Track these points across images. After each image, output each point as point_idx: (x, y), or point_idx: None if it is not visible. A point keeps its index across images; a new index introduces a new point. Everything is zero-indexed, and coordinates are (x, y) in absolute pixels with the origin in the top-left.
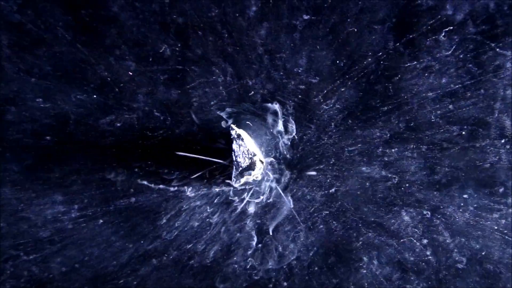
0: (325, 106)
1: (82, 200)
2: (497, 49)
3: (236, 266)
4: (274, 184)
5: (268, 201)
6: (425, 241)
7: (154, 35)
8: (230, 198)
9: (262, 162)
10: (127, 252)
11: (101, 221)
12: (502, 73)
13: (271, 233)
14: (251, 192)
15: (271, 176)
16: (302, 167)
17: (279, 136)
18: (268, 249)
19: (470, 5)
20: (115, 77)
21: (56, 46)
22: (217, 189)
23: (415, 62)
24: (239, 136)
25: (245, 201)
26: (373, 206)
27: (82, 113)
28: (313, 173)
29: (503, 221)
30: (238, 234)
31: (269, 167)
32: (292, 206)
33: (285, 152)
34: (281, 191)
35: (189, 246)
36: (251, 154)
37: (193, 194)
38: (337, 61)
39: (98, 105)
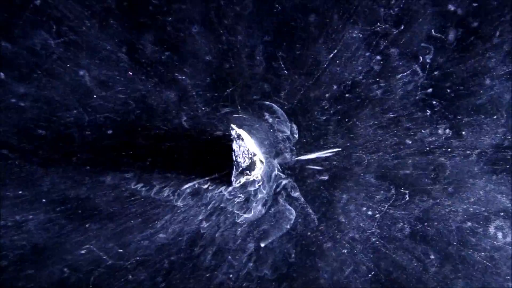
0: (324, 109)
1: (76, 204)
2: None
3: (231, 275)
4: (265, 191)
5: (264, 211)
6: (431, 252)
7: (148, 36)
8: (222, 204)
9: (262, 162)
10: (121, 257)
11: (94, 226)
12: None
13: (262, 245)
14: (247, 198)
15: (271, 182)
16: (302, 175)
17: (280, 139)
18: (265, 257)
19: (474, 11)
20: (114, 79)
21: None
22: (209, 195)
23: (413, 69)
24: (239, 136)
25: (241, 208)
26: (373, 213)
27: (79, 116)
28: (325, 178)
29: (506, 228)
30: (233, 240)
31: (275, 172)
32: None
33: (287, 156)
34: (299, 194)
35: (184, 251)
36: (251, 154)
37: (186, 202)
38: (337, 61)
39: (94, 108)
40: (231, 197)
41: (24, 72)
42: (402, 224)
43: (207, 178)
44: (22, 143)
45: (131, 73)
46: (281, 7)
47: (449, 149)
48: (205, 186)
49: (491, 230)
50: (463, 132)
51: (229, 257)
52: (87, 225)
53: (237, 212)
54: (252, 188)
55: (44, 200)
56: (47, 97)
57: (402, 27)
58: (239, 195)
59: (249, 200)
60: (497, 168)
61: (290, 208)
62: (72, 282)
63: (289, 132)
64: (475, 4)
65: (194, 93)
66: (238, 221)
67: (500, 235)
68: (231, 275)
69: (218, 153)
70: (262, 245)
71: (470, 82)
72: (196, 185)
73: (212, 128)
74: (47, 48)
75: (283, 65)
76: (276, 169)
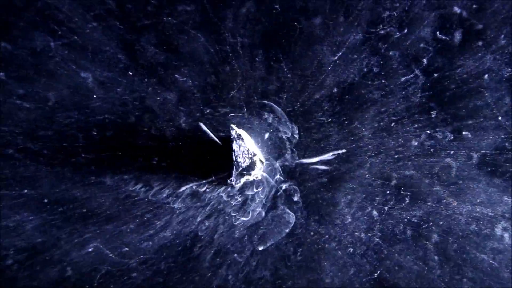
0: (326, 111)
1: (77, 204)
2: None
3: (230, 277)
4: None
5: (263, 214)
6: (434, 253)
7: (148, 37)
8: (221, 206)
9: (262, 162)
10: (119, 258)
11: (94, 227)
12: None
13: (260, 249)
14: (245, 201)
15: (271, 185)
16: (303, 178)
17: (281, 140)
18: (265, 258)
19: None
20: (114, 80)
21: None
22: (208, 196)
23: (415, 71)
24: (239, 136)
25: (240, 211)
26: (375, 215)
27: (76, 117)
28: (327, 180)
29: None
30: (232, 242)
31: (276, 176)
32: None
33: (288, 158)
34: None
35: (184, 252)
36: (251, 154)
37: (185, 203)
38: (337, 61)
39: (93, 109)
40: (230, 199)
41: (26, 73)
42: (404, 225)
43: (206, 180)
44: (27, 143)
45: (130, 73)
46: (282, 9)
47: (452, 151)
48: (205, 187)
49: (496, 231)
50: (465, 134)
51: (229, 258)
52: (87, 226)
53: (234, 214)
54: (251, 192)
55: (45, 200)
56: (49, 98)
57: (406, 30)
58: (237, 197)
59: (248, 203)
60: (500, 170)
61: (290, 212)
62: (73, 282)
63: (290, 133)
64: (476, 6)
65: (194, 93)
66: (236, 223)
67: (506, 236)
68: (230, 276)
69: (218, 153)
70: (260, 248)
71: (472, 84)
72: (195, 187)
73: (212, 128)
74: (47, 49)
75: (284, 67)
76: (278, 172)
